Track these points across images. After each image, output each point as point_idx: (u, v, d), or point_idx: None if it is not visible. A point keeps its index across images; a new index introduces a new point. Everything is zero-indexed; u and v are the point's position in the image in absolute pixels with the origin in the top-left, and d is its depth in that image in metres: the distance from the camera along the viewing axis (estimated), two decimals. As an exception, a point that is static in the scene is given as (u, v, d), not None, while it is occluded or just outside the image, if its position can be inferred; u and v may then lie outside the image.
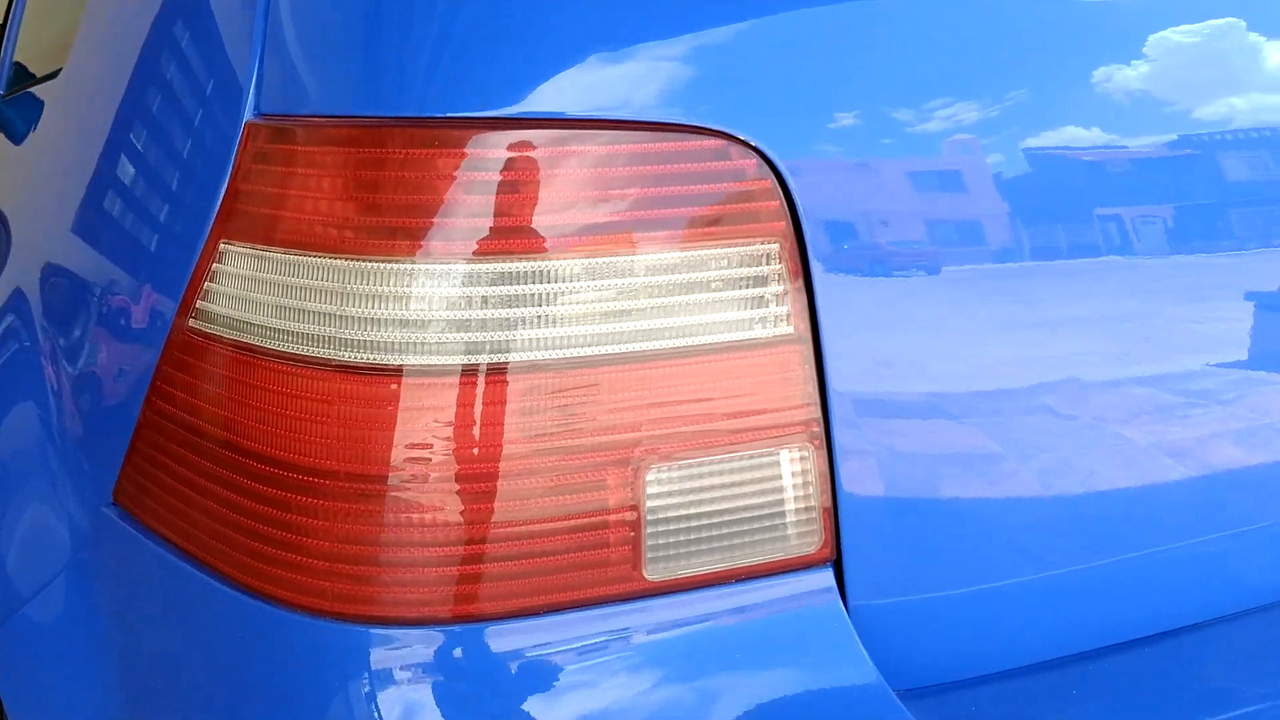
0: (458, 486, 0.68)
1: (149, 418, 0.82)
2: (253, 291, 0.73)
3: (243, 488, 0.73)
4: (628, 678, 0.71)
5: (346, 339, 0.68)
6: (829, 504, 0.75)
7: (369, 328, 0.67)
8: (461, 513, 0.69)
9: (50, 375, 0.95)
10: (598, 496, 0.70)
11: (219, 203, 0.75)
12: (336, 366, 0.68)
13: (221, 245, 0.75)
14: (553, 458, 0.69)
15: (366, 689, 0.69)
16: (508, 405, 0.68)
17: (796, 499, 0.74)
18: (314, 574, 0.70)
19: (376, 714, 0.69)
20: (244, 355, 0.73)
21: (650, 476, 0.70)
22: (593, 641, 0.71)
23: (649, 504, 0.71)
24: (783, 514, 0.74)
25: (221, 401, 0.74)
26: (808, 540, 0.75)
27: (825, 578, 0.76)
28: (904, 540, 0.77)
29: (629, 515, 0.70)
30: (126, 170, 0.88)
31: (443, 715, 0.69)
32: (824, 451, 0.74)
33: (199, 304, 0.76)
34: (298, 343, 0.70)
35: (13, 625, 0.94)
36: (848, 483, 0.75)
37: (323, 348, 0.69)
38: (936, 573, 0.78)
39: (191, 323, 0.77)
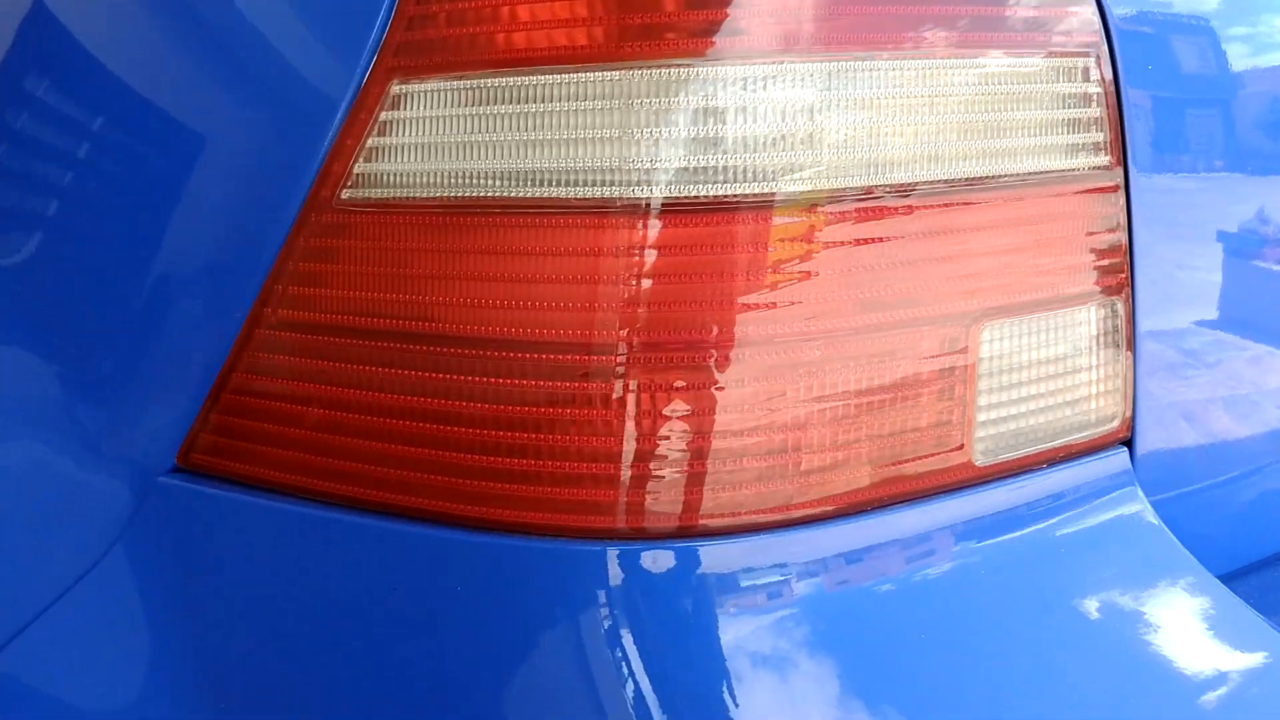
0: (772, 357, 0.54)
1: (261, 340, 0.61)
2: (459, 134, 0.55)
3: (447, 388, 0.55)
4: (949, 574, 0.59)
5: (625, 172, 0.52)
6: (1130, 374, 0.65)
7: (669, 153, 0.52)
8: (774, 390, 0.54)
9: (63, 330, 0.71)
10: (924, 364, 0.57)
11: (382, 35, 0.56)
12: (617, 208, 0.52)
13: (395, 88, 0.56)
14: (878, 314, 0.55)
15: (646, 621, 0.54)
16: (833, 252, 0.54)
17: (1105, 367, 0.64)
18: (572, 484, 0.54)
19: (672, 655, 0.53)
20: (449, 216, 0.55)
21: (984, 336, 0.58)
22: (914, 538, 0.58)
23: (980, 371, 0.58)
24: (1092, 384, 0.64)
25: (410, 283, 0.56)
26: (1110, 416, 0.65)
27: (1122, 460, 0.66)
28: (1192, 420, 0.69)
29: (957, 386, 0.58)
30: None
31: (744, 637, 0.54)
32: (1129, 310, 0.64)
33: (357, 169, 0.57)
34: (545, 184, 0.53)
35: (24, 645, 0.69)
36: (1146, 350, 0.65)
37: (585, 187, 0.53)
38: (1218, 460, 0.70)
39: (345, 195, 0.58)
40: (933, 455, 0.58)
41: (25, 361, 0.71)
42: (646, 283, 0.53)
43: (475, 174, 0.54)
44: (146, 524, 0.66)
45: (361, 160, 0.57)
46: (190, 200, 0.64)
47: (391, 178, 0.57)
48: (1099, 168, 0.61)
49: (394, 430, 0.57)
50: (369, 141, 0.57)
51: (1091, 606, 0.62)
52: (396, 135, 0.56)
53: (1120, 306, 0.63)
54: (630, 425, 0.54)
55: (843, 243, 0.54)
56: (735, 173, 0.52)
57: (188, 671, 0.65)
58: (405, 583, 0.57)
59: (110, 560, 0.67)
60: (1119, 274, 0.63)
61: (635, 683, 0.53)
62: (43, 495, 0.70)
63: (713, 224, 0.53)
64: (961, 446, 0.59)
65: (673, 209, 0.52)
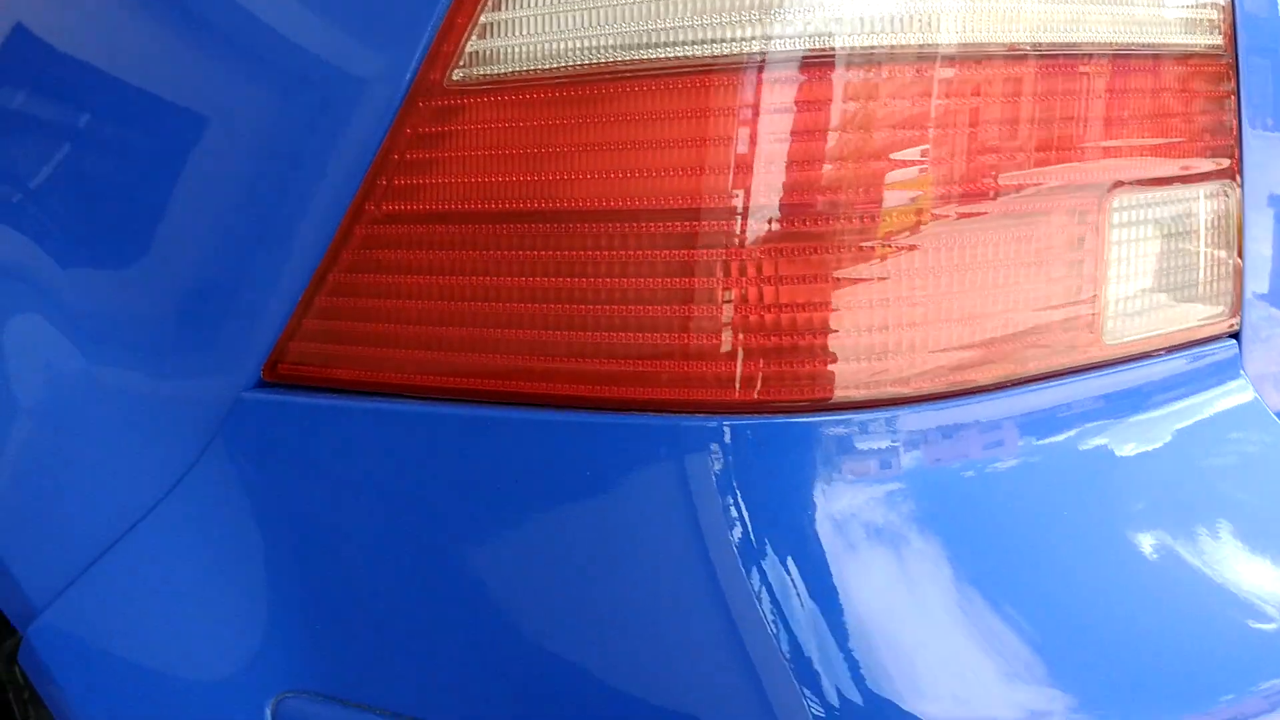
0: (926, 222, 0.52)
1: (363, 237, 0.59)
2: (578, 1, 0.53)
3: (575, 265, 0.53)
4: (1072, 455, 0.58)
5: (762, 24, 0.50)
6: (1240, 265, 0.64)
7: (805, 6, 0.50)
8: (924, 258, 0.53)
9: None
10: (1059, 235, 0.56)
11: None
12: (750, 65, 0.51)
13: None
14: (1016, 179, 0.54)
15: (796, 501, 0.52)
16: (968, 112, 0.53)
17: (1218, 253, 0.63)
18: (701, 358, 0.52)
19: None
20: (573, 88, 0.53)
21: (1114, 205, 0.57)
22: (1041, 418, 0.57)
23: (1111, 248, 0.57)
24: (1208, 269, 0.63)
25: (533, 161, 0.54)
26: (1223, 307, 0.64)
27: (1232, 351, 0.65)
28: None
29: (1091, 262, 0.57)
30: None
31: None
32: (1240, 198, 0.64)
33: (470, 47, 0.55)
34: (673, 45, 0.51)
35: (90, 584, 0.66)
36: (1253, 239, 0.65)
37: (714, 44, 0.51)
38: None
39: (457, 75, 0.55)
40: (1065, 334, 0.57)
41: (109, 279, 0.68)
42: (783, 143, 0.51)
43: (598, 41, 0.53)
44: (231, 440, 0.63)
45: (474, 38, 0.55)
46: (281, 98, 0.61)
47: (506, 54, 0.55)
48: (1213, 48, 0.61)
49: (516, 315, 0.55)
50: (482, 18, 0.55)
51: (1210, 493, 0.61)
52: (511, 9, 0.54)
53: (1233, 191, 0.63)
54: (762, 294, 0.52)
55: (980, 100, 0.53)
56: (872, 24, 0.50)
57: (283, 587, 0.62)
58: (528, 470, 0.55)
59: (194, 478, 0.64)
60: (1230, 157, 0.62)
61: (764, 559, 0.52)
62: (124, 415, 0.67)
63: (853, 80, 0.51)
64: (1092, 326, 0.58)
65: (812, 62, 0.51)
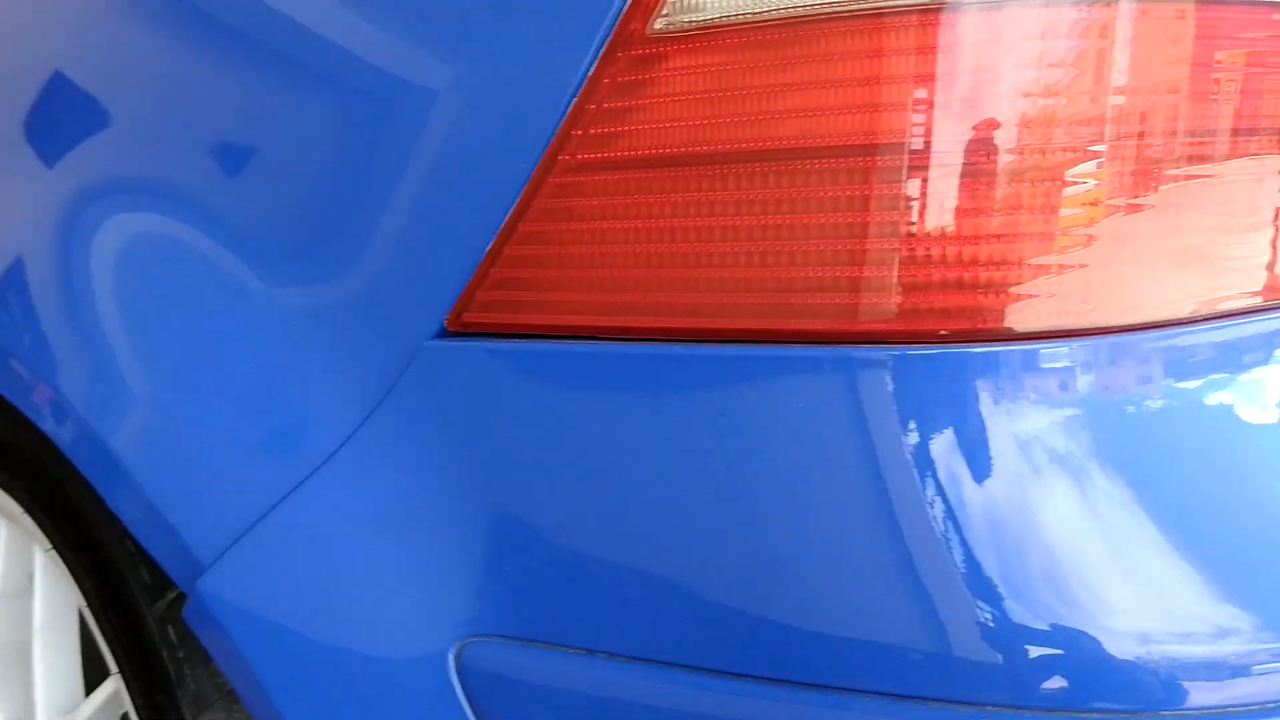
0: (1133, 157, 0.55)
1: (556, 186, 0.60)
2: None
3: (792, 202, 0.55)
4: (1254, 389, 0.60)
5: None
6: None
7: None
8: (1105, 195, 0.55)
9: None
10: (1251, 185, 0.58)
11: None
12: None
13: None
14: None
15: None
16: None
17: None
18: (916, 290, 0.54)
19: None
20: (781, 30, 0.55)
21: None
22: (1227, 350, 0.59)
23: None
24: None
25: (743, 102, 0.56)
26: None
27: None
28: None
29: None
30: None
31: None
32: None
33: (673, -4, 0.57)
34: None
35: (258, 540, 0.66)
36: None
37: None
38: None
39: (659, 25, 0.57)
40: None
41: (290, 226, 0.69)
42: (985, 78, 0.53)
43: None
44: (413, 389, 0.64)
45: (675, -14, 0.57)
46: (474, 58, 0.63)
47: (709, 2, 0.56)
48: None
49: (715, 254, 0.57)
50: (685, -33, 0.57)
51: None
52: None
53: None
54: (960, 227, 0.54)
55: (1150, 39, 0.55)
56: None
57: (465, 533, 0.63)
58: (721, 405, 0.56)
59: (371, 428, 0.65)
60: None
61: (956, 482, 0.54)
62: (301, 367, 0.67)
63: (1048, 18, 0.53)
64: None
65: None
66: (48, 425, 0.77)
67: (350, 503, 0.65)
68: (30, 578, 0.96)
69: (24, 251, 0.87)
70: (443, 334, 0.64)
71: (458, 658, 0.64)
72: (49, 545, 0.83)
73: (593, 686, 0.60)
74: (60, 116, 0.88)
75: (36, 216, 0.86)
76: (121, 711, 0.83)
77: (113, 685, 0.81)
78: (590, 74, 0.59)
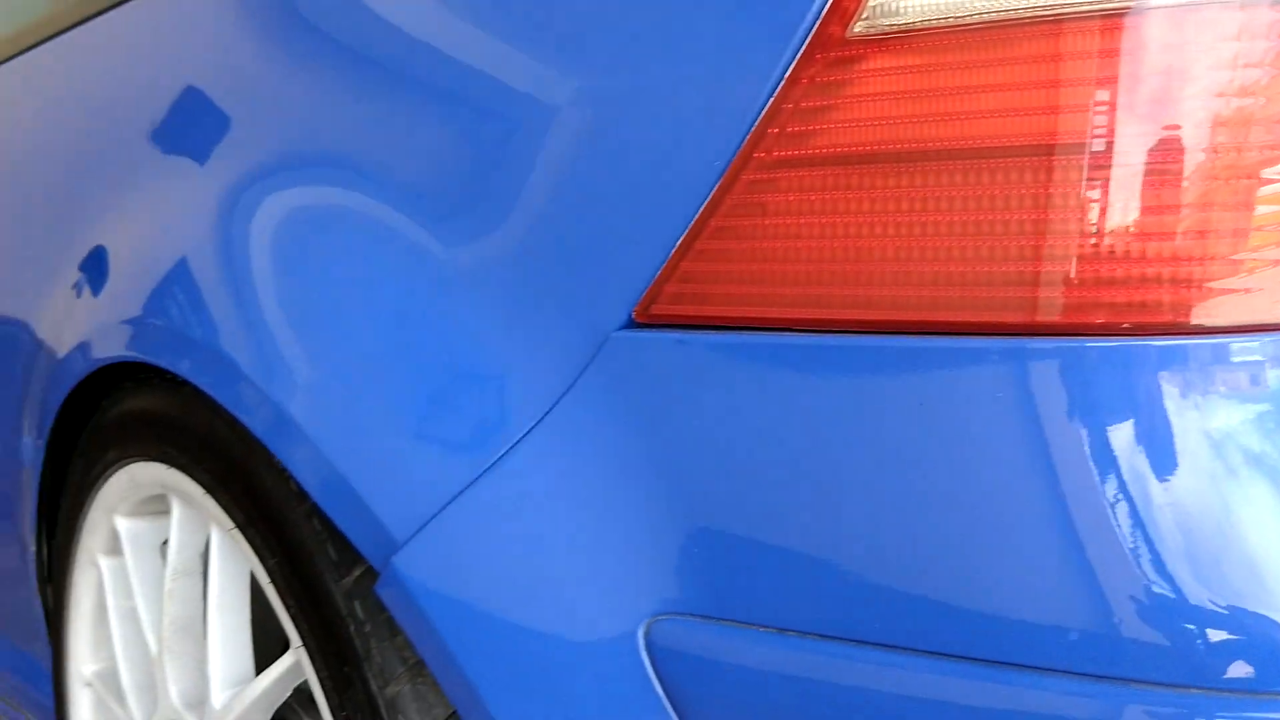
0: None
1: (751, 182, 0.63)
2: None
3: (983, 200, 0.57)
4: None
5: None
6: None
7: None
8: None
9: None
10: None
11: None
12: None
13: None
14: None
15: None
16: None
17: None
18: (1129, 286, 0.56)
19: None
20: (988, 32, 0.57)
21: None
22: None
23: None
24: None
25: (941, 102, 0.58)
26: None
27: None
28: None
29: None
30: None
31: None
32: None
33: (873, 0, 0.59)
34: None
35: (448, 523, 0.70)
36: None
37: None
38: None
39: (858, 29, 0.59)
40: None
41: (485, 227, 0.72)
42: (1207, 78, 0.55)
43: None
44: (601, 376, 0.67)
45: (875, -10, 0.59)
46: (667, 63, 0.66)
47: (910, 6, 0.59)
48: None
49: (913, 249, 0.59)
50: (886, -29, 0.59)
51: None
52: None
53: None
54: (1148, 223, 0.56)
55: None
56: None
57: (655, 512, 0.66)
58: (933, 396, 0.59)
59: (561, 412, 0.68)
60: None
61: (1147, 473, 0.56)
62: (493, 353, 0.71)
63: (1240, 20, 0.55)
64: None
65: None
66: (235, 407, 0.81)
67: (544, 483, 0.68)
68: (201, 556, 1.01)
69: (190, 239, 0.92)
70: (630, 325, 0.67)
71: (647, 635, 0.66)
72: (231, 525, 0.87)
73: (785, 665, 0.62)
74: (202, 117, 0.93)
75: (205, 204, 0.91)
76: (299, 681, 0.87)
77: (292, 658, 0.86)
78: (788, 75, 0.61)
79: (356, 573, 0.78)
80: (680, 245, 0.65)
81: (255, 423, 0.80)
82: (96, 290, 1.04)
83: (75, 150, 1.20)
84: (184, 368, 0.86)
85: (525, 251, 0.71)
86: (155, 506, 1.09)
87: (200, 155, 0.99)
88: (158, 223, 0.98)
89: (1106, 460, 0.56)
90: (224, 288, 0.87)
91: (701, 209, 0.64)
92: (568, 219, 0.69)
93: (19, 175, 1.31)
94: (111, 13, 1.16)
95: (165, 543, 1.11)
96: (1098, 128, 0.56)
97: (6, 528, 1.36)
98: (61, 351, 1.08)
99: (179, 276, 0.92)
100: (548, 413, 0.69)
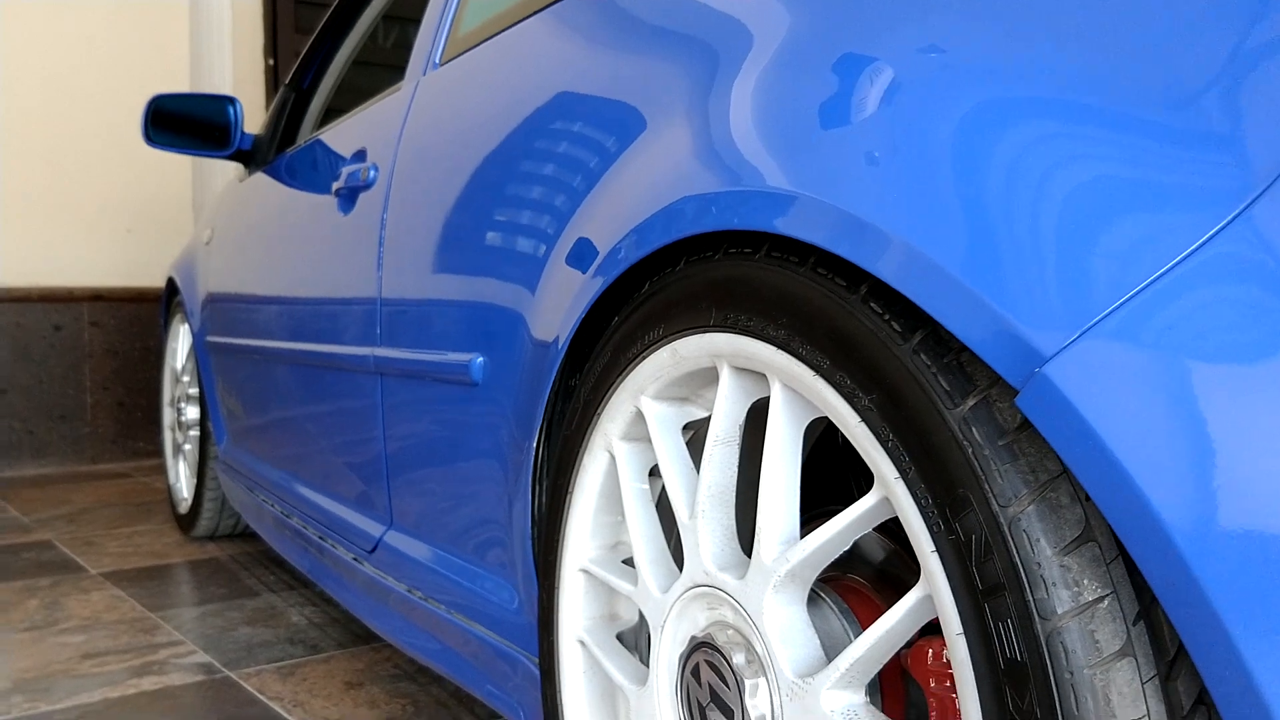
0: None
1: None
2: None
3: None
4: None
5: None
6: None
7: None
8: None
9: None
10: None
11: None
12: None
13: None
14: None
15: None
16: None
17: None
18: None
19: None
20: None
21: None
22: None
23: None
24: None
25: None
26: None
27: None
28: None
29: None
30: None
31: None
32: None
33: None
34: None
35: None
36: None
37: None
38: None
39: None
40: None
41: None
42: None
43: None
44: None
45: None
46: None
47: None
48: None
49: None
50: None
51: None
52: None
53: None
54: None
55: None
56: None
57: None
58: None
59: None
60: None
61: None
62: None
63: None
64: None
65: None
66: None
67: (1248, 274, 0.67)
68: (739, 427, 1.07)
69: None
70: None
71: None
72: (812, 373, 0.93)
73: None
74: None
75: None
76: (881, 520, 0.91)
77: (875, 497, 0.89)
78: None
79: (970, 403, 0.81)
80: None
81: (884, 269, 0.84)
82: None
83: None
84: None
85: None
86: (678, 391, 1.16)
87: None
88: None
89: None
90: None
91: None
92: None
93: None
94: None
95: (684, 426, 1.18)
96: None
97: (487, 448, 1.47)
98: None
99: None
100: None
